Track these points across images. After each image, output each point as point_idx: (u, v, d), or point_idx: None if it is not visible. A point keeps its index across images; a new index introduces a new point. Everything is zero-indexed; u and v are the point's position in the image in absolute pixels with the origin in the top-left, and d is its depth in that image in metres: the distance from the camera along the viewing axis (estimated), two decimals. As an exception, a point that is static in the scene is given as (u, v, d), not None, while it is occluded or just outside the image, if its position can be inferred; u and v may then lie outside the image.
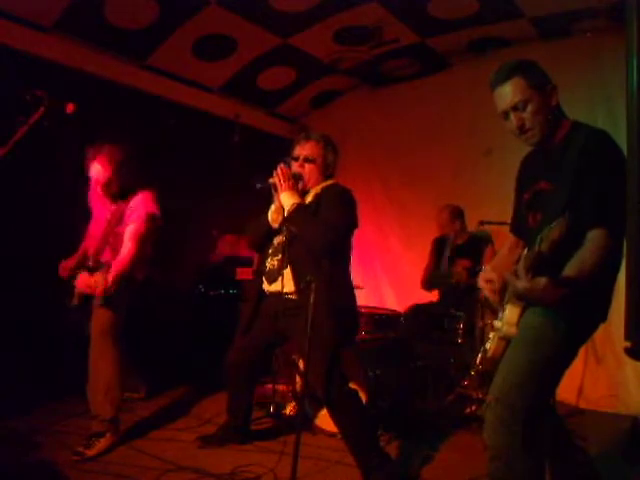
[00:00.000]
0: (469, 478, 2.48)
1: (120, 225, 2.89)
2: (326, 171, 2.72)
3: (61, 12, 3.43)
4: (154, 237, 2.97)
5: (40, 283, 3.41)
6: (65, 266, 3.03)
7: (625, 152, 1.70)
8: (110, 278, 2.68)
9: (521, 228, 1.97)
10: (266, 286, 2.70)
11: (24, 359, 3.36)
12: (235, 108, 4.97)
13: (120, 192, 2.93)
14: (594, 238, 1.63)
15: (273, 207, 2.67)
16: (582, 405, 3.76)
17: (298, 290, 2.50)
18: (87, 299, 2.87)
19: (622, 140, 2.07)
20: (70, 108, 2.48)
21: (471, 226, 4.08)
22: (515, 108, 1.76)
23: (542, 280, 1.55)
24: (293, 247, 2.56)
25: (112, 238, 2.91)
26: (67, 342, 3.27)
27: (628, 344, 1.81)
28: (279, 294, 2.57)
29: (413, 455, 2.85)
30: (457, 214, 4.04)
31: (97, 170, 2.89)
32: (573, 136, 1.76)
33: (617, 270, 1.74)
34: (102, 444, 2.72)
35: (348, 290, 2.68)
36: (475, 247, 3.89)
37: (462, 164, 4.55)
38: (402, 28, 4.06)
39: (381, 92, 5.20)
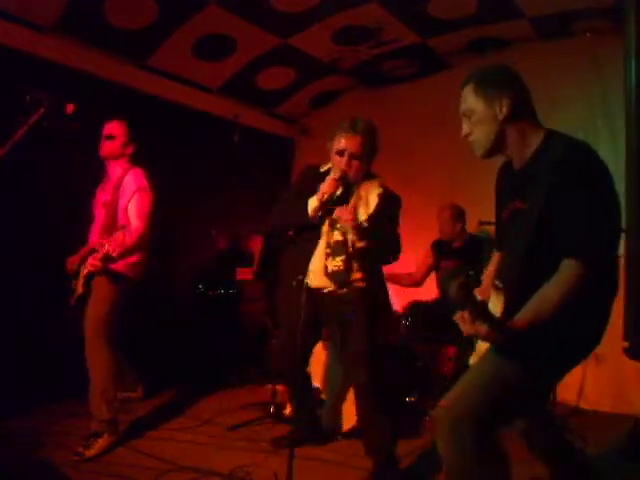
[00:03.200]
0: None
1: (116, 205, 2.95)
2: (369, 161, 2.66)
3: (60, 12, 3.43)
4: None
5: (40, 283, 3.42)
6: (73, 261, 3.05)
7: (603, 161, 1.58)
8: (128, 240, 2.74)
9: (503, 244, 1.90)
10: (330, 286, 2.60)
11: (24, 359, 3.36)
12: (234, 108, 4.95)
13: (125, 154, 3.07)
14: (564, 270, 1.48)
15: (315, 198, 2.56)
16: (583, 405, 3.75)
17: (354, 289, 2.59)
18: (84, 299, 2.88)
19: (620, 140, 2.07)
20: (70, 109, 2.49)
21: (471, 226, 4.08)
22: (464, 115, 1.74)
23: (483, 328, 1.46)
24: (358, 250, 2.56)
25: (112, 221, 2.95)
26: (67, 343, 3.27)
27: (626, 344, 1.81)
28: (342, 294, 2.59)
29: (412, 455, 2.85)
30: (458, 214, 4.02)
31: (112, 125, 3.07)
32: (547, 149, 1.63)
33: (609, 294, 1.62)
34: (101, 444, 2.72)
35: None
36: (473, 249, 3.86)
37: (461, 164, 4.52)
38: (401, 28, 4.06)
39: (380, 92, 5.19)
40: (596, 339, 1.62)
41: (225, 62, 4.40)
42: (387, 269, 4.17)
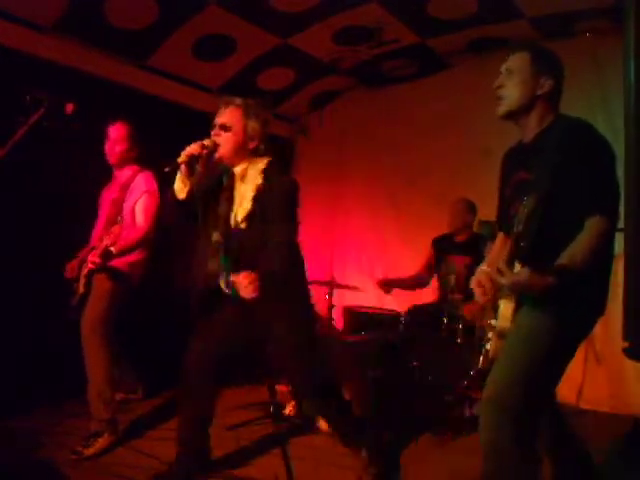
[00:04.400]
0: (468, 479, 2.49)
1: (122, 203, 2.97)
2: (249, 141, 2.37)
3: (60, 12, 3.43)
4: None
5: (40, 283, 3.42)
6: (72, 266, 3.05)
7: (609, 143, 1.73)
8: (132, 238, 2.79)
9: (507, 224, 1.96)
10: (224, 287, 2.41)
11: (24, 359, 3.36)
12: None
13: (130, 158, 3.09)
14: (591, 226, 1.64)
15: (179, 176, 2.35)
16: (582, 405, 3.76)
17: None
18: (85, 299, 2.89)
19: (620, 140, 2.08)
20: (70, 108, 2.49)
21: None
22: (506, 69, 1.86)
23: (524, 272, 1.59)
24: (245, 251, 2.32)
25: (116, 219, 2.95)
26: (67, 343, 3.26)
27: (626, 344, 1.82)
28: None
29: (412, 456, 2.85)
30: (471, 208, 4.03)
31: (116, 130, 3.05)
32: (554, 126, 1.79)
33: (611, 261, 1.77)
34: (101, 444, 2.72)
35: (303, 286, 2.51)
36: (476, 245, 3.87)
37: (461, 164, 4.55)
38: (401, 28, 4.06)
39: (380, 92, 5.19)
40: (604, 305, 1.77)
41: (225, 62, 4.40)
42: (390, 276, 4.21)
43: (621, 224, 2.05)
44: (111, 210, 3.00)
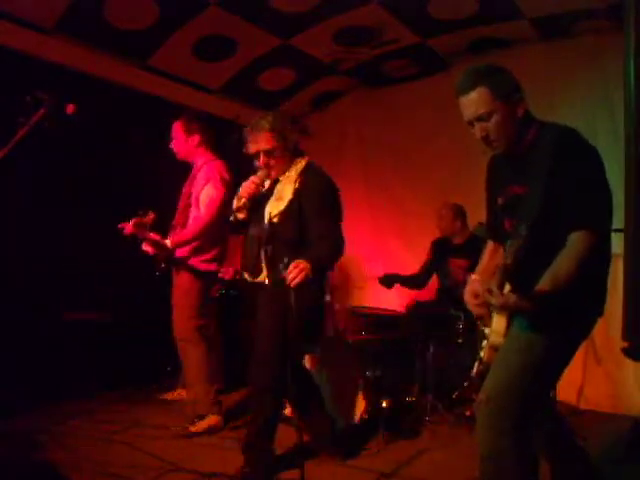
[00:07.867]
0: (467, 479, 2.49)
1: (190, 196, 3.04)
2: (289, 149, 2.58)
3: (62, 13, 3.43)
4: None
5: (40, 283, 3.42)
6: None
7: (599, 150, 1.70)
8: (191, 229, 2.87)
9: (498, 233, 1.93)
10: (248, 278, 2.65)
11: (24, 359, 3.37)
12: (235, 109, 4.97)
13: (193, 148, 3.16)
14: (574, 241, 1.60)
15: (235, 199, 2.59)
16: (582, 405, 3.75)
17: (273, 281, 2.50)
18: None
19: (620, 140, 2.07)
20: (70, 109, 2.49)
21: (470, 227, 4.08)
22: (479, 119, 1.72)
23: (512, 297, 1.57)
24: (273, 244, 2.50)
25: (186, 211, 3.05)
26: (67, 343, 3.27)
27: (626, 344, 1.83)
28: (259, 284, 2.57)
29: (412, 455, 2.85)
30: (458, 212, 4.03)
31: (173, 129, 3.18)
32: (542, 136, 1.72)
33: (607, 265, 1.74)
34: (206, 423, 2.95)
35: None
36: (475, 246, 3.87)
37: (462, 164, 4.54)
38: (402, 29, 4.06)
39: (381, 93, 5.19)
40: (601, 307, 1.74)
41: (226, 63, 4.40)
42: (390, 271, 4.22)
43: (621, 224, 2.05)
44: (184, 204, 3.07)
